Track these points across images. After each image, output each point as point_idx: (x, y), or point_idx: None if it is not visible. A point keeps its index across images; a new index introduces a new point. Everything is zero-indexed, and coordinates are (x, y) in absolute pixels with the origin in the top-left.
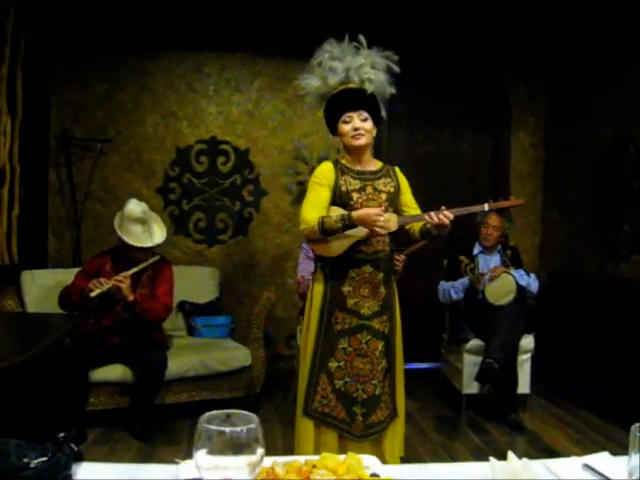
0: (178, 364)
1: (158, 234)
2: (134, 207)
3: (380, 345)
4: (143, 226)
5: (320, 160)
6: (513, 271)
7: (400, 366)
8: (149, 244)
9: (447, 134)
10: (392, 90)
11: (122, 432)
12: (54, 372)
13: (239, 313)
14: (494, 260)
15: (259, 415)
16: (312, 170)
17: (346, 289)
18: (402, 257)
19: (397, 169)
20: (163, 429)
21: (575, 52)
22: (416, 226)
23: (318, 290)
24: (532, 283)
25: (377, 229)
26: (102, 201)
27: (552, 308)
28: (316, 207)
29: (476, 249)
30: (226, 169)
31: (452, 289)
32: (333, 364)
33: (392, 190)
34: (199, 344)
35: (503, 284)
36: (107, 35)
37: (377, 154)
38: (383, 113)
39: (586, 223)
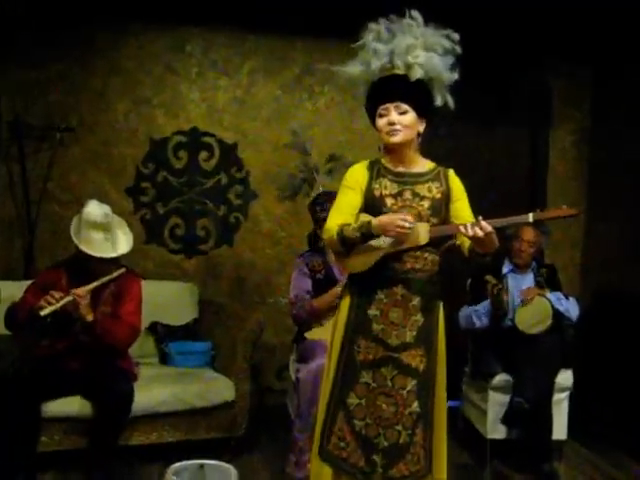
0: (147, 397)
1: (123, 242)
2: (94, 210)
3: (410, 384)
4: (105, 233)
5: (331, 160)
6: (549, 294)
7: (441, 414)
8: (112, 254)
9: (472, 129)
10: (453, 76)
11: (79, 478)
12: None
13: (221, 338)
14: (527, 280)
15: (242, 462)
16: (309, 167)
17: (372, 312)
18: None
19: (451, 172)
20: (128, 476)
21: (629, 34)
22: (467, 242)
23: (343, 312)
24: (571, 308)
25: (401, 238)
26: (61, 202)
27: (595, 338)
28: (343, 214)
29: (506, 267)
30: (209, 166)
31: (474, 314)
32: (353, 400)
33: (439, 196)
34: (173, 374)
35: (537, 309)
36: (69, 2)
37: None
38: (438, 103)
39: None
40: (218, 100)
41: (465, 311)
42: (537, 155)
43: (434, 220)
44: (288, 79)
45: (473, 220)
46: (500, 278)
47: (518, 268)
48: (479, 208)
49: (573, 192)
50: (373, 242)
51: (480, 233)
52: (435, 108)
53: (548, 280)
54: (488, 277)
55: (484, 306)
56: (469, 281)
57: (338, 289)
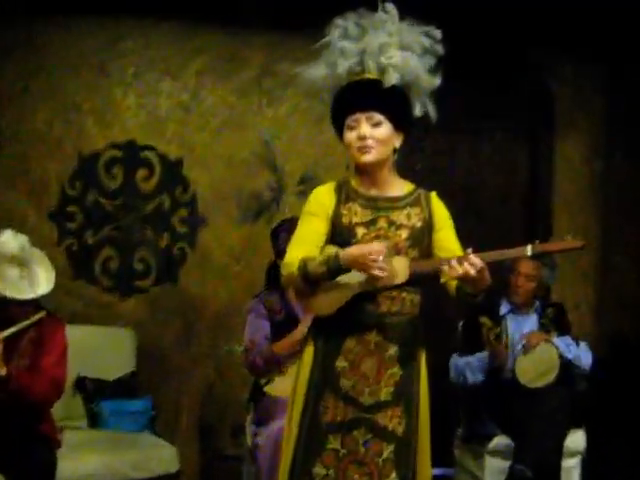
0: (73, 468)
1: (43, 280)
2: (8, 241)
3: (386, 450)
4: (21, 269)
5: (303, 181)
6: (556, 339)
7: None
8: (29, 295)
9: (458, 141)
10: (434, 80)
11: None
12: None
13: (164, 395)
14: (529, 323)
15: None
16: (278, 186)
17: (341, 364)
18: None
19: (434, 195)
20: None
21: None
22: (453, 282)
23: (306, 363)
24: (583, 356)
25: (375, 273)
26: None
27: (612, 391)
28: (305, 245)
29: (504, 307)
30: (149, 187)
31: (467, 368)
32: (320, 471)
33: (419, 225)
34: (105, 439)
35: (542, 358)
36: None
37: None
38: (417, 113)
39: None
40: (159, 107)
41: (457, 362)
42: (538, 172)
43: (414, 253)
44: (244, 82)
45: (461, 253)
46: (498, 320)
47: (518, 308)
48: (467, 238)
49: (584, 218)
50: (342, 279)
51: (470, 270)
52: (414, 119)
53: (555, 322)
54: (483, 319)
55: (479, 358)
56: (461, 324)
57: (304, 328)
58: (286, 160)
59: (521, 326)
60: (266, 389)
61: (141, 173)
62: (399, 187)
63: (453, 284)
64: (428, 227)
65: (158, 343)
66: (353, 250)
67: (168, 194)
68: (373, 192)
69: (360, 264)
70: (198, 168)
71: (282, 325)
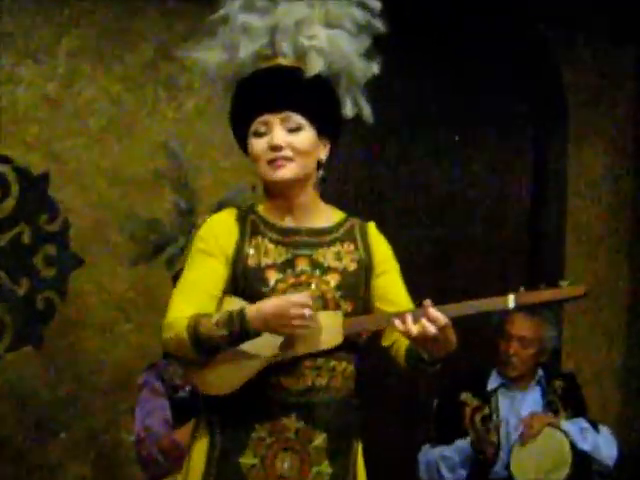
0: None
1: None
2: None
3: None
4: None
5: (222, 206)
6: (566, 423)
7: None
8: None
9: (437, 151)
10: (371, 68)
11: None
12: None
13: None
14: (529, 401)
15: None
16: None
17: (247, 461)
18: None
19: (372, 227)
20: None
21: None
22: (402, 344)
23: (196, 463)
24: (604, 446)
25: (299, 332)
26: None
27: None
28: (195, 298)
29: (493, 380)
30: (2, 213)
31: (443, 462)
32: None
33: (353, 267)
34: None
35: (546, 449)
36: None
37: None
38: (347, 113)
39: None
40: (16, 101)
41: (428, 454)
42: (544, 190)
43: (347, 306)
44: (134, 67)
45: (409, 305)
46: (485, 397)
47: (513, 382)
48: (445, 282)
49: (606, 252)
50: (248, 346)
51: (430, 328)
52: (343, 121)
53: (565, 399)
54: (466, 397)
55: (460, 449)
56: (435, 402)
57: None
58: (195, 176)
59: (518, 405)
60: None
61: None
62: (325, 216)
63: (402, 347)
64: (366, 270)
65: (14, 431)
66: (266, 306)
67: (28, 223)
68: (289, 223)
69: (277, 325)
70: (71, 187)
71: (187, 405)
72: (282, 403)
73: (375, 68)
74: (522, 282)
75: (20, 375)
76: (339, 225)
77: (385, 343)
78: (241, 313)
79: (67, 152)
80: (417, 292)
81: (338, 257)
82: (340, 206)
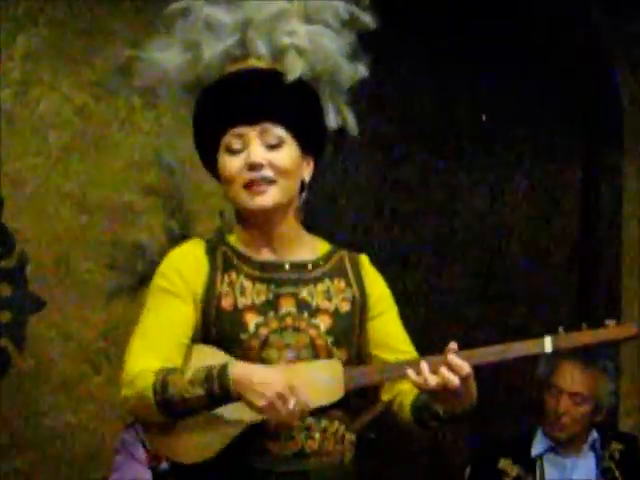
0: None
1: None
2: None
3: None
4: None
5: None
6: None
7: None
8: None
9: (465, 164)
10: (360, 70)
11: None
12: None
13: None
14: (582, 468)
15: None
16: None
17: None
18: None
19: (364, 259)
20: None
21: None
22: (406, 396)
23: None
24: None
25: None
26: None
27: None
28: (159, 347)
29: (539, 444)
30: None
31: None
32: None
33: (346, 308)
34: None
35: None
36: None
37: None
38: (331, 124)
39: None
40: None
41: None
42: (595, 209)
43: (340, 354)
44: (104, 71)
45: (411, 350)
46: (528, 465)
47: (562, 445)
48: (468, 322)
49: None
50: (226, 410)
51: (452, 379)
52: (328, 134)
53: (624, 466)
54: (504, 464)
55: None
56: (467, 472)
57: None
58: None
59: (568, 475)
60: None
61: None
62: (309, 247)
63: (406, 401)
64: (360, 312)
65: None
66: (249, 375)
67: None
68: (268, 255)
69: (257, 401)
70: (29, 214)
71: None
72: (267, 472)
73: (363, 70)
74: (570, 322)
75: None
76: (326, 258)
77: (385, 397)
78: (223, 370)
79: (24, 173)
80: (450, 331)
81: (328, 296)
82: (356, 238)
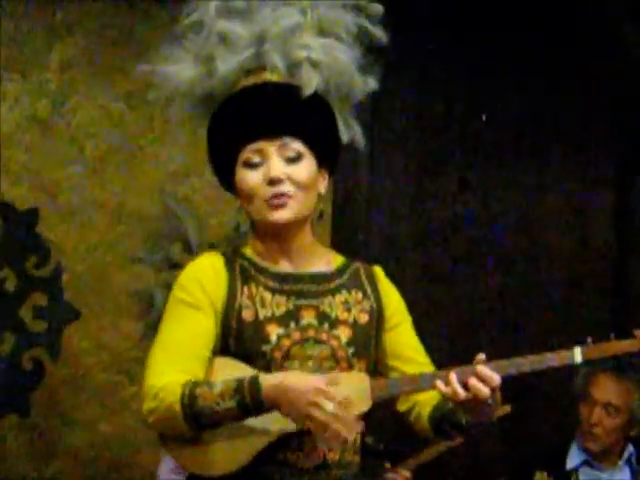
0: None
1: None
2: None
3: None
4: None
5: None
6: None
7: None
8: None
9: (494, 175)
10: (371, 83)
11: None
12: None
13: None
14: None
15: None
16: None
17: None
18: (404, 475)
19: (379, 271)
20: None
21: None
22: (424, 407)
23: None
24: None
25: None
26: None
27: None
28: (182, 360)
29: (574, 457)
30: None
31: None
32: None
33: (365, 319)
34: None
35: None
36: None
37: None
38: (344, 138)
39: None
40: (0, 122)
41: None
42: (629, 238)
43: (360, 366)
44: (139, 81)
45: (426, 360)
46: (564, 477)
47: (597, 458)
48: (499, 333)
49: None
50: (254, 421)
51: (485, 391)
52: (340, 147)
53: None
54: (540, 477)
55: None
56: None
57: None
58: (210, 212)
59: None
60: None
61: None
62: (325, 259)
63: (424, 412)
64: (377, 323)
65: None
66: (285, 383)
67: (13, 267)
68: (286, 267)
69: (297, 404)
70: (64, 225)
71: None
72: None
73: (373, 83)
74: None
75: (1, 449)
76: (342, 270)
77: (401, 408)
78: (254, 381)
79: (60, 184)
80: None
81: (346, 307)
82: (387, 252)
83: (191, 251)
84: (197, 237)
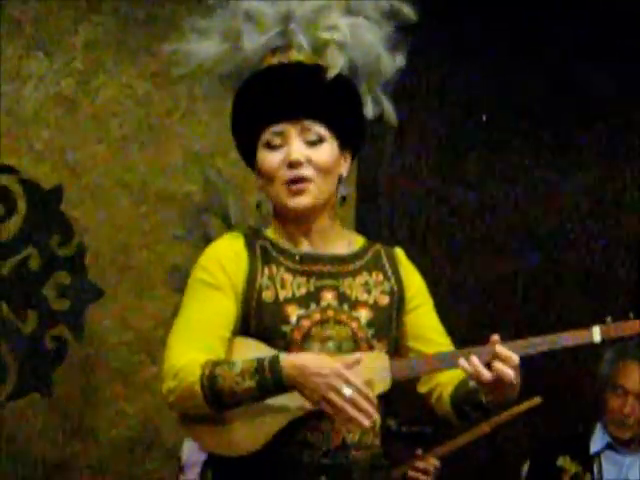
0: None
1: None
2: None
3: None
4: None
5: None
6: None
7: None
8: None
9: (507, 165)
10: (398, 62)
11: None
12: None
13: None
14: (638, 469)
15: None
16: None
17: None
18: (432, 462)
19: (400, 253)
20: None
21: None
22: (445, 388)
23: None
24: None
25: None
26: None
27: None
28: (202, 340)
29: (597, 441)
30: (7, 233)
31: None
32: None
33: (385, 301)
34: None
35: None
36: None
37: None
38: (369, 115)
39: None
40: (24, 101)
41: None
42: None
43: (380, 347)
44: (164, 59)
45: (448, 343)
46: (587, 462)
47: (621, 443)
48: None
49: None
50: (274, 401)
51: (507, 371)
52: (365, 129)
53: None
54: (563, 461)
55: None
56: (525, 468)
57: None
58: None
59: (625, 472)
60: None
61: None
62: (346, 240)
63: (445, 393)
64: (397, 304)
65: None
66: (307, 361)
67: (37, 246)
68: (306, 249)
69: (319, 386)
70: (88, 203)
71: None
72: (310, 465)
73: (401, 61)
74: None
75: (23, 428)
76: (363, 251)
77: (422, 389)
78: (274, 361)
79: (84, 162)
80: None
81: (367, 289)
82: (410, 238)
83: (230, 227)
84: (237, 213)
